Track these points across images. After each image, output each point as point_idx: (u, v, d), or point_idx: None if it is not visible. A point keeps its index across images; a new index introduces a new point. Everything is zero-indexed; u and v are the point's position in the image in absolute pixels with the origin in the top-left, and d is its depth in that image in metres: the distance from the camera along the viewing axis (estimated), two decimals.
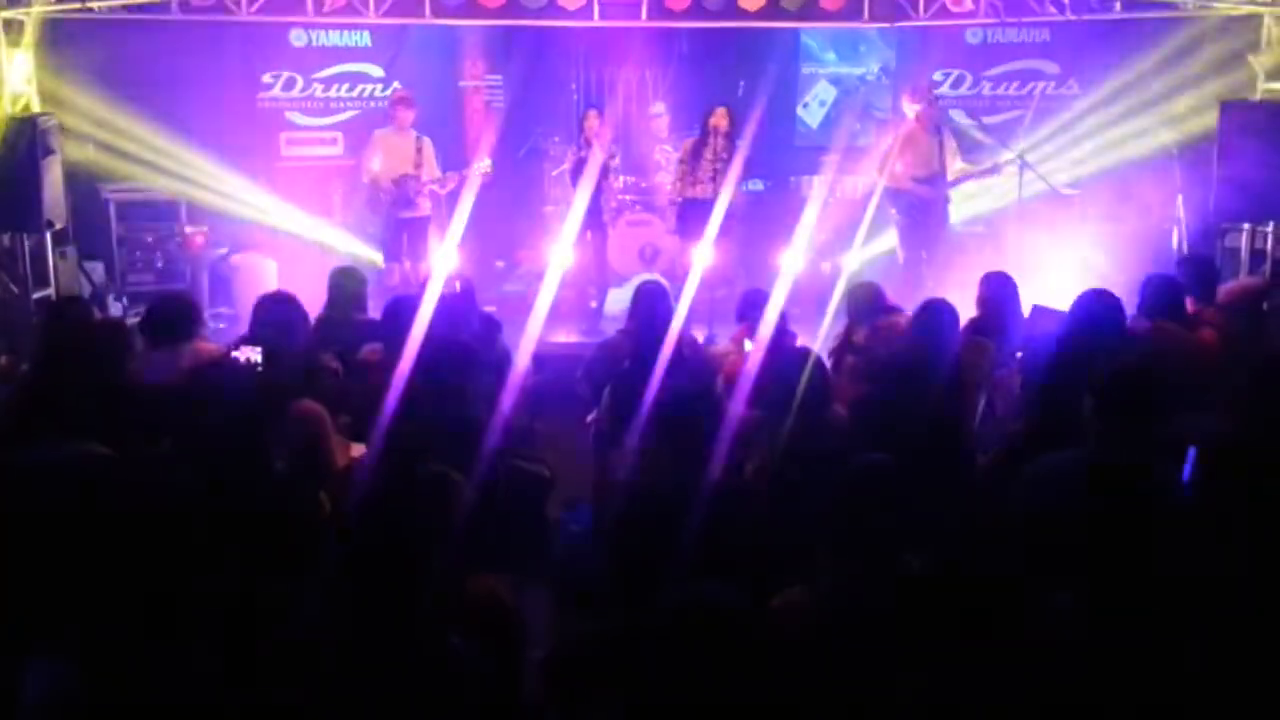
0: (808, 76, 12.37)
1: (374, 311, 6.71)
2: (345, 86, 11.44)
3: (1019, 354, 5.69)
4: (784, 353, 5.26)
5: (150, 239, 10.27)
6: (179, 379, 4.83)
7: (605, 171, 9.80)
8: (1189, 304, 6.11)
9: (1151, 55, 10.00)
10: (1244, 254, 9.05)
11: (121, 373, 5.21)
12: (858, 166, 11.17)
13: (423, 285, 6.23)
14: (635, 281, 7.99)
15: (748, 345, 6.15)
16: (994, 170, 9.98)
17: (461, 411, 5.05)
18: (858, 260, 10.26)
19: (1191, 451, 3.82)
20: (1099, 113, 10.50)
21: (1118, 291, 5.79)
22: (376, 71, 11.43)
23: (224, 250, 10.68)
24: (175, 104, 10.17)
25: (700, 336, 8.07)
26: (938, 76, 11.29)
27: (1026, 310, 6.42)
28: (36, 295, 8.83)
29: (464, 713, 3.06)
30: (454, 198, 9.54)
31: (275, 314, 5.69)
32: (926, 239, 9.70)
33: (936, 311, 5.79)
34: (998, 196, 10.48)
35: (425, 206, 9.94)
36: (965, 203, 10.50)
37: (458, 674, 3.07)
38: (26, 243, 8.86)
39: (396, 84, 11.08)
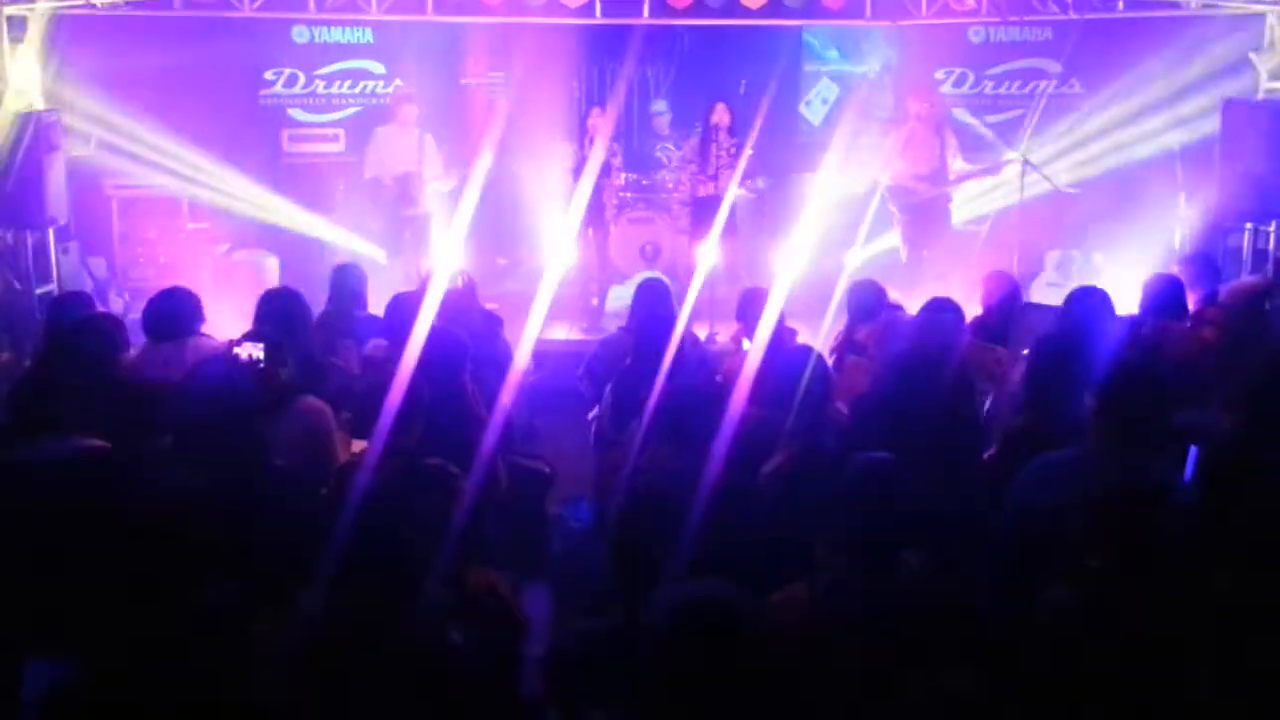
0: (810, 74, 12.36)
1: (375, 308, 6.72)
2: (347, 83, 11.44)
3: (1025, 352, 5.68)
4: (783, 351, 5.26)
5: (152, 235, 10.27)
6: (180, 375, 4.83)
7: (607, 169, 9.79)
8: (1191, 303, 6.11)
9: (1154, 55, 10.00)
10: (1246, 253, 9.05)
11: (116, 368, 5.21)
12: (860, 165, 11.16)
13: (425, 282, 6.22)
14: (636, 279, 7.99)
15: (746, 344, 6.15)
16: (994, 170, 9.98)
17: (462, 408, 5.06)
18: (859, 258, 10.26)
19: (1193, 450, 3.82)
20: (1101, 112, 10.50)
21: (1120, 290, 5.79)
22: (378, 68, 11.42)
23: (226, 247, 10.69)
24: (177, 100, 10.18)
25: (702, 334, 8.07)
26: (940, 75, 11.28)
27: None
28: (39, 291, 8.84)
29: (463, 708, 3.06)
30: (456, 195, 9.53)
31: (278, 310, 5.69)
32: (928, 237, 9.70)
33: (940, 309, 5.78)
34: (1000, 195, 10.48)
35: (427, 204, 9.94)
36: (968, 202, 10.52)
37: (457, 669, 3.08)
38: (29, 239, 8.87)
39: (398, 81, 11.09)
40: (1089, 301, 5.77)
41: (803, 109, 12.38)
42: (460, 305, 6.30)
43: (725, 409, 4.50)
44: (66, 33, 9.37)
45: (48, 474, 4.00)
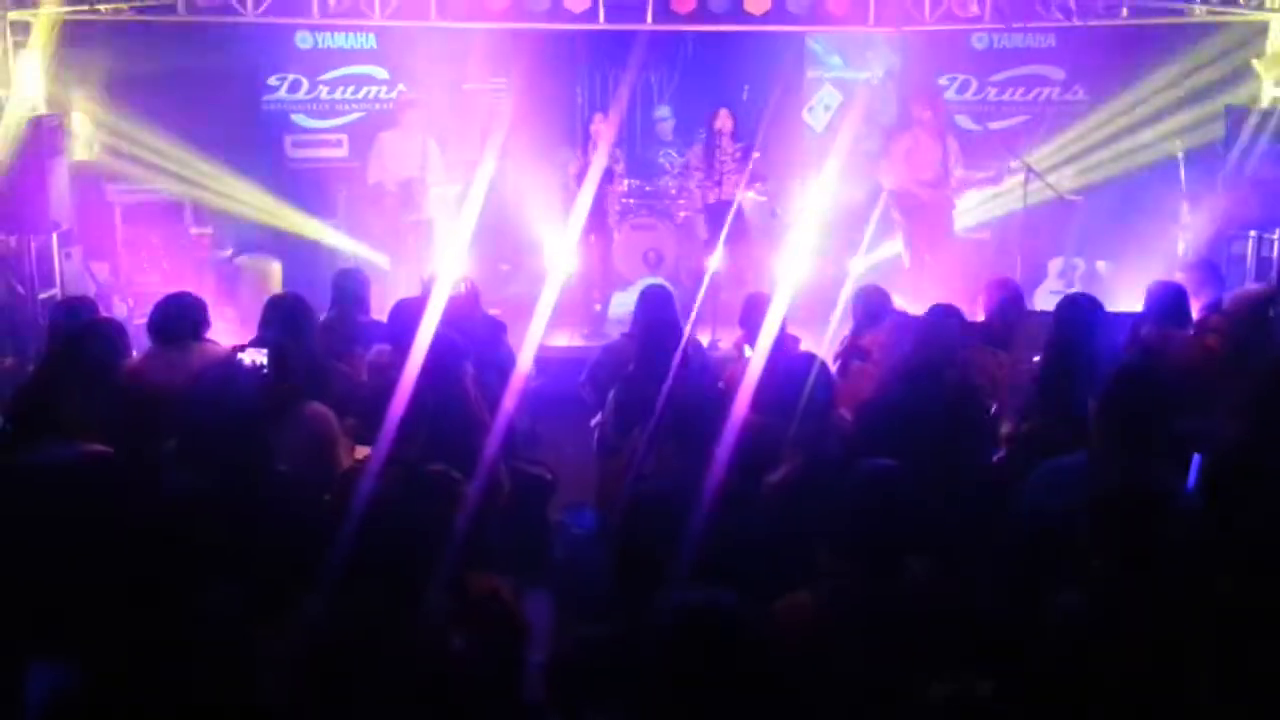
0: (813, 81, 12.35)
1: (377, 313, 6.72)
2: (350, 89, 11.44)
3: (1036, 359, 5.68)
4: (785, 358, 5.26)
5: (155, 240, 10.26)
6: (185, 380, 4.83)
7: (610, 176, 9.79)
8: (1195, 310, 6.10)
9: (1158, 61, 10.00)
10: (1250, 261, 9.05)
11: (119, 373, 5.21)
12: (863, 171, 11.16)
13: (428, 288, 6.22)
14: (639, 285, 7.99)
15: (747, 351, 6.15)
16: (995, 180, 9.99)
17: (464, 412, 5.05)
18: (862, 264, 10.26)
19: (1196, 458, 3.82)
20: (1104, 118, 10.50)
21: (1124, 298, 5.78)
22: (382, 74, 11.42)
23: (229, 252, 10.69)
24: (180, 105, 10.19)
25: (705, 341, 8.07)
26: (943, 81, 11.27)
27: None
28: (42, 296, 8.84)
29: (465, 713, 3.05)
30: (459, 201, 9.54)
31: (284, 316, 5.69)
32: (931, 244, 9.70)
33: (942, 315, 5.78)
34: (1003, 202, 10.48)
35: (431, 209, 9.95)
36: (970, 209, 10.52)
37: (459, 674, 3.07)
38: (33, 244, 8.87)
39: (401, 86, 11.10)
40: (1074, 308, 5.76)
41: (805, 115, 12.37)
42: (463, 311, 6.29)
43: (727, 416, 4.50)
44: (71, 37, 9.39)
45: (51, 478, 4.00)
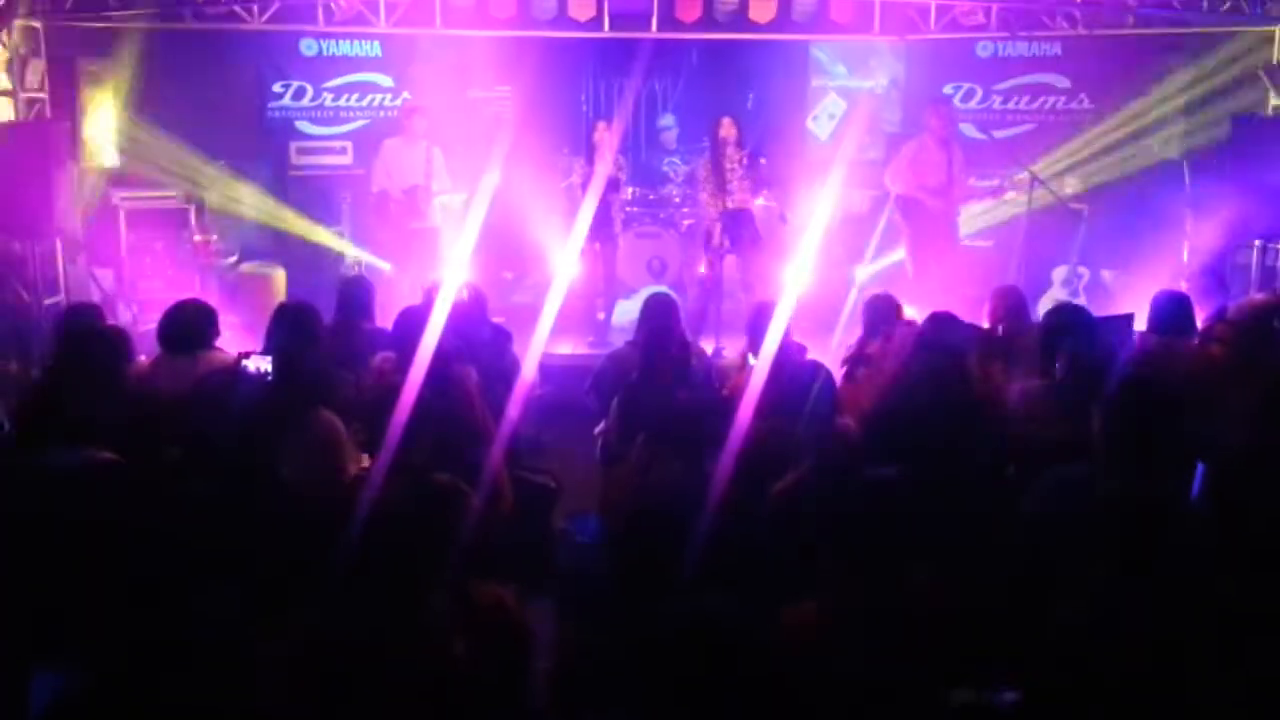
0: (817, 89, 12.38)
1: (381, 321, 6.72)
2: (355, 96, 11.47)
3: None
4: (790, 366, 5.26)
5: (160, 246, 10.27)
6: (192, 387, 4.84)
7: (615, 184, 9.79)
8: (1199, 320, 6.10)
9: (1163, 71, 10.00)
10: (1254, 270, 9.04)
11: (125, 380, 5.22)
12: (867, 179, 11.18)
13: (430, 295, 6.22)
14: (643, 293, 7.98)
15: (751, 359, 6.15)
16: (998, 192, 10.01)
17: (470, 421, 5.05)
18: (866, 273, 10.28)
19: (1200, 468, 3.81)
20: (1109, 127, 10.50)
21: (1128, 308, 5.78)
22: (386, 81, 11.46)
23: (233, 259, 10.70)
24: (186, 112, 10.21)
25: (708, 349, 8.07)
26: (948, 90, 11.29)
27: None
28: (47, 302, 8.85)
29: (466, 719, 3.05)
30: (464, 208, 9.55)
31: (291, 323, 5.69)
32: (935, 252, 9.70)
33: (943, 322, 5.78)
34: (1007, 211, 10.49)
35: (435, 217, 9.95)
36: (975, 217, 10.52)
37: (461, 682, 3.07)
38: (38, 250, 8.88)
39: (406, 94, 11.11)
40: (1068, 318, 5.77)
41: (810, 124, 12.39)
42: (469, 319, 6.29)
43: (731, 424, 4.50)
44: (76, 43, 9.42)
45: (57, 485, 4.00)
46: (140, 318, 9.56)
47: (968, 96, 11.44)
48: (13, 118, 9.00)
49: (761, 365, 5.43)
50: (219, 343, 5.81)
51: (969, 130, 11.13)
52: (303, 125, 11.39)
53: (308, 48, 11.22)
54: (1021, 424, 5.00)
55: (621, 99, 12.32)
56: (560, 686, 3.36)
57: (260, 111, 11.16)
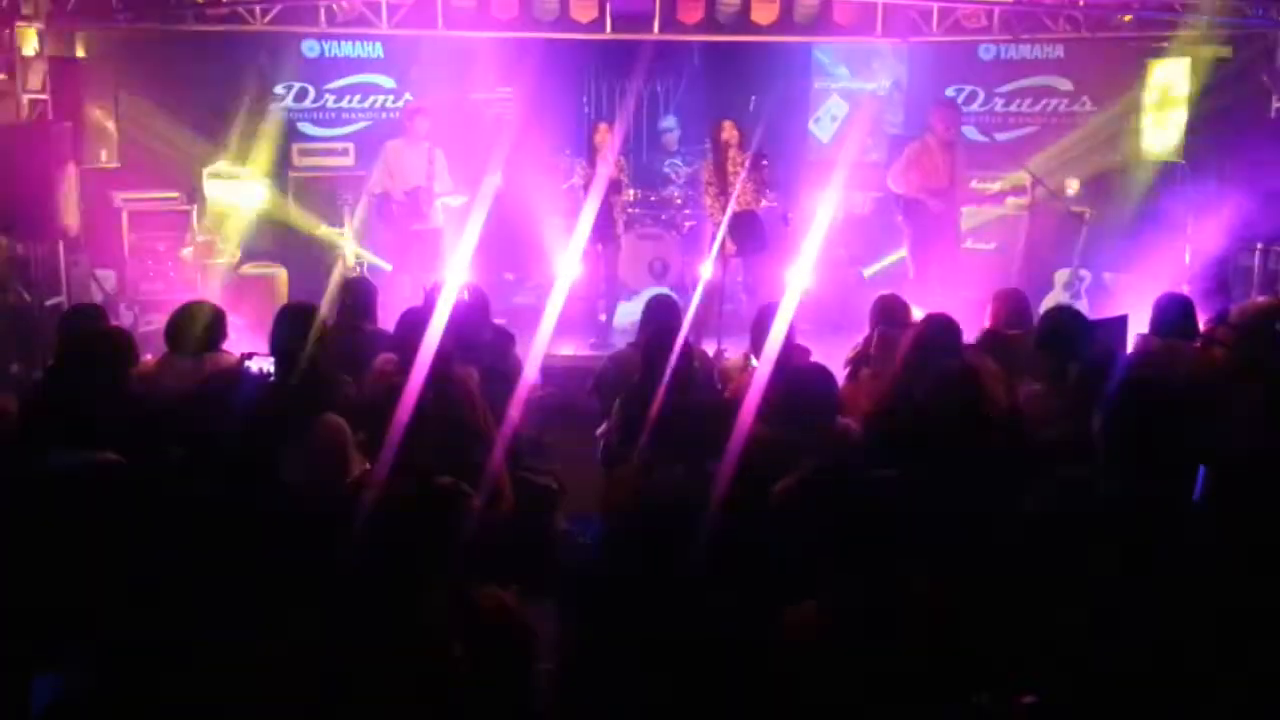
0: (819, 91, 12.39)
1: (383, 322, 6.71)
2: (357, 97, 11.48)
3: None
4: (792, 369, 5.25)
5: (162, 247, 10.27)
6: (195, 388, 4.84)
7: (616, 185, 9.78)
8: (1201, 323, 6.10)
9: (1165, 73, 9.99)
10: (1257, 273, 9.03)
11: (129, 381, 5.21)
12: (869, 181, 11.18)
13: (431, 296, 6.22)
14: (645, 295, 7.98)
15: (753, 361, 6.14)
16: (1000, 195, 10.01)
17: (472, 423, 5.05)
18: (872, 272, 10.29)
19: (1202, 471, 3.81)
20: (1111, 130, 10.50)
21: (1130, 310, 5.78)
22: (388, 83, 11.47)
23: (235, 259, 10.69)
24: (188, 113, 10.21)
25: (710, 350, 8.07)
26: (950, 92, 11.29)
27: None
28: (49, 303, 8.84)
29: None
30: (465, 210, 9.54)
31: (294, 324, 5.69)
32: (937, 253, 9.69)
33: (937, 326, 5.80)
34: (1009, 214, 10.49)
35: (437, 218, 9.96)
36: (976, 219, 10.52)
37: (463, 685, 3.07)
38: (39, 250, 8.88)
39: (408, 95, 11.12)
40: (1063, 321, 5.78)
41: (812, 126, 12.40)
42: (472, 321, 6.29)
43: (733, 426, 4.50)
44: (79, 44, 9.42)
45: (60, 486, 3.99)
46: (141, 319, 9.56)
47: (970, 99, 11.44)
48: (15, 118, 9.00)
49: (763, 367, 5.43)
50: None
51: (971, 132, 11.14)
52: (304, 126, 11.40)
53: (309, 49, 11.23)
54: (1024, 426, 5.00)
55: (623, 101, 12.31)
56: (562, 687, 3.35)
57: (262, 113, 11.16)
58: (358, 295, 6.73)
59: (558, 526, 5.56)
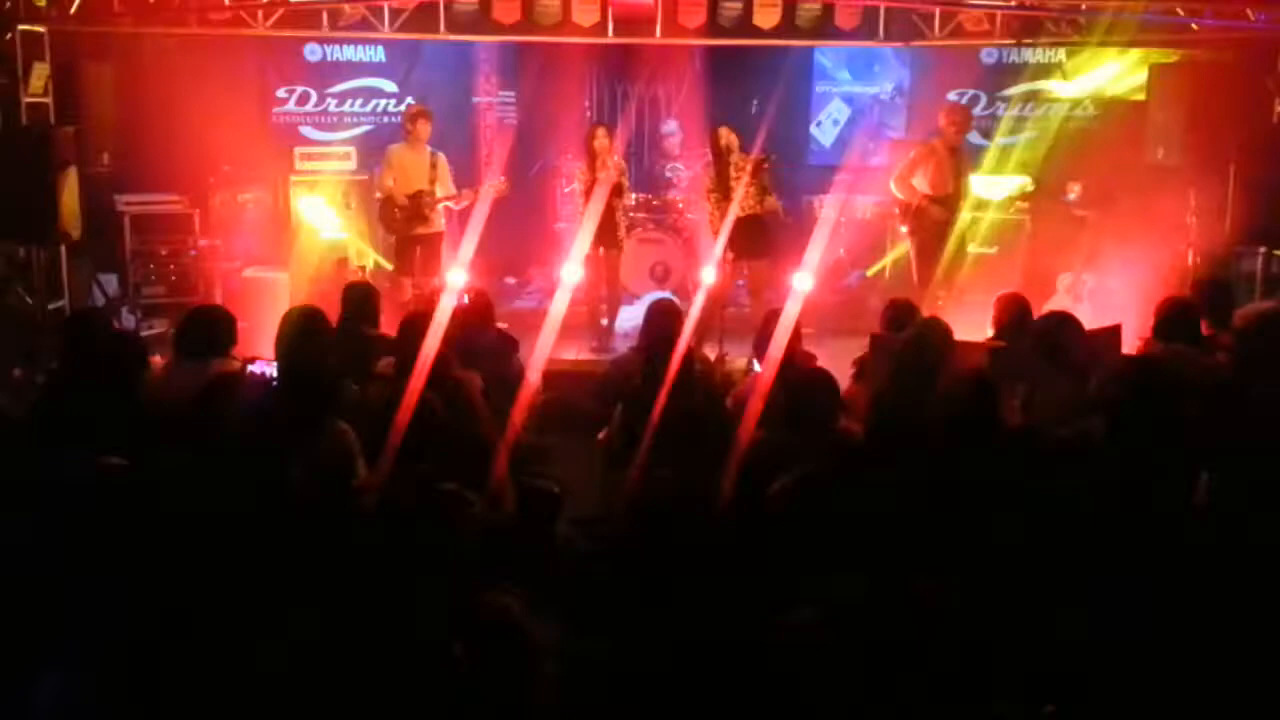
0: (821, 95, 12.39)
1: (385, 326, 6.71)
2: (359, 101, 11.49)
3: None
4: (795, 373, 5.26)
5: (164, 251, 10.28)
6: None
7: (619, 189, 9.78)
8: (1203, 327, 6.09)
9: (1167, 77, 9.99)
10: (1259, 278, 9.03)
11: (135, 386, 5.21)
12: (871, 185, 11.18)
13: (432, 300, 6.23)
14: (647, 299, 7.98)
15: (756, 366, 6.15)
16: (1001, 198, 10.04)
17: (473, 427, 5.05)
18: (874, 271, 10.30)
19: (1204, 475, 3.81)
20: (1114, 134, 10.49)
21: (1131, 314, 5.78)
22: (390, 87, 11.47)
23: (236, 263, 10.70)
24: (190, 117, 10.22)
25: (712, 355, 8.07)
26: (951, 97, 11.28)
27: None
28: (51, 307, 8.85)
29: None
30: (467, 214, 9.54)
31: (298, 329, 5.69)
32: (939, 257, 9.68)
33: (927, 327, 5.82)
34: (1011, 218, 10.49)
35: (439, 222, 9.96)
36: (979, 223, 10.51)
37: (464, 690, 3.06)
38: (41, 255, 8.89)
39: (410, 99, 11.13)
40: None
41: (814, 130, 12.40)
42: (475, 325, 6.29)
43: (735, 430, 4.50)
44: (82, 47, 9.43)
45: (65, 491, 3.99)
46: (143, 323, 9.57)
47: (972, 103, 11.42)
48: (17, 122, 9.01)
49: (766, 372, 5.44)
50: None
51: (973, 136, 11.12)
52: (307, 130, 11.41)
53: (312, 53, 11.24)
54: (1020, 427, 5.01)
55: (625, 104, 12.32)
56: (565, 692, 3.35)
57: (264, 116, 11.17)
58: (360, 299, 6.73)
59: (559, 531, 5.56)
